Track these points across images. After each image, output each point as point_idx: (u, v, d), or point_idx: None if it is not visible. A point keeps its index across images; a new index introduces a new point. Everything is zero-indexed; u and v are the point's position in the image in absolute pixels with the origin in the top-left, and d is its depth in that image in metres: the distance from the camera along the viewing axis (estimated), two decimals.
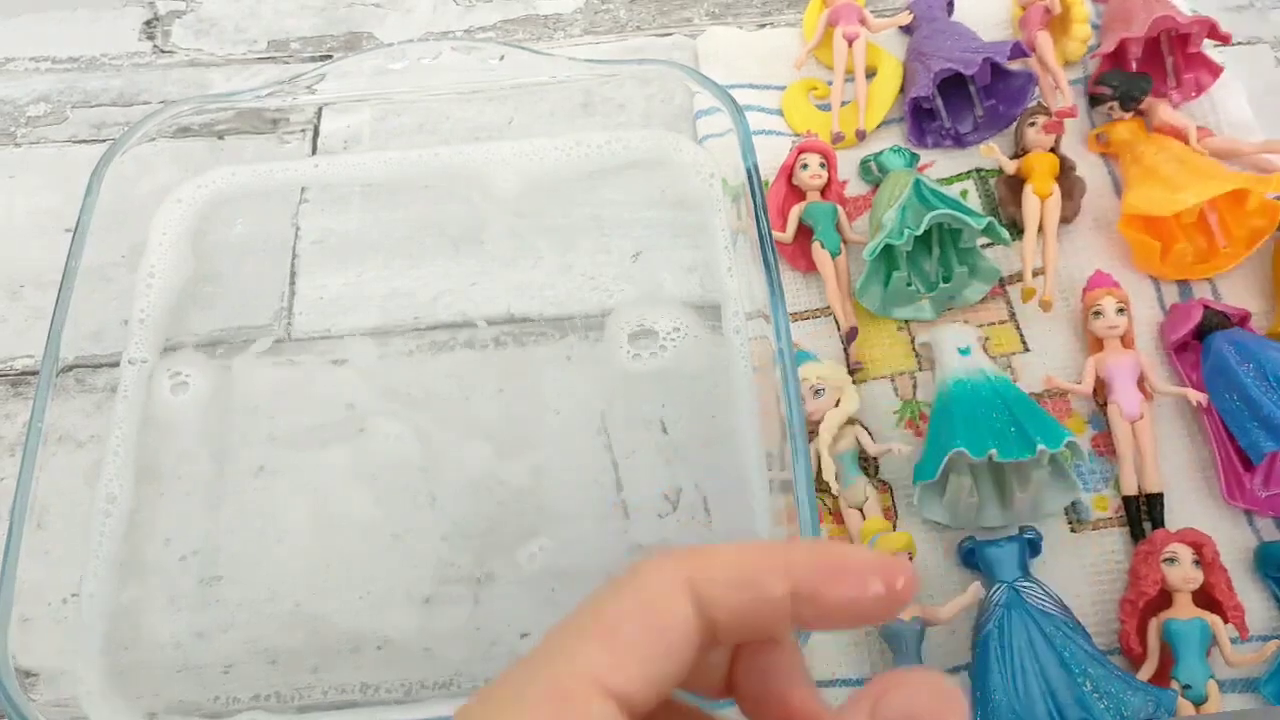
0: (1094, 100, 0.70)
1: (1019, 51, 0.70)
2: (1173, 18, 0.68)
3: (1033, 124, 0.67)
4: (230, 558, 0.60)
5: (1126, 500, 0.58)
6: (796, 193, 0.68)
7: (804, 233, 0.67)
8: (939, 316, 0.64)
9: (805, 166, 0.67)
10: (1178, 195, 0.61)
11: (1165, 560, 0.53)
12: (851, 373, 0.62)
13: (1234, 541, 0.57)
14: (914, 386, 0.63)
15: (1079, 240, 0.66)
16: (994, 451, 0.53)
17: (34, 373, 0.67)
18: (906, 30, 0.75)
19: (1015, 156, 0.67)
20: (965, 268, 0.63)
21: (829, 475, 0.57)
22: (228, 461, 0.63)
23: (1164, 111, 0.68)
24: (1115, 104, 0.68)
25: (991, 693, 0.50)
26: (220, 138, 0.76)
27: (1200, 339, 0.61)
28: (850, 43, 0.73)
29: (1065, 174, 0.66)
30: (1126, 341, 0.61)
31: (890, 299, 0.64)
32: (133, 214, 0.72)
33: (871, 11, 0.75)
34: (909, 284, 0.63)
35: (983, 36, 0.73)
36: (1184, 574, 0.53)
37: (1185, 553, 0.53)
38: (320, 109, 0.77)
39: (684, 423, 0.63)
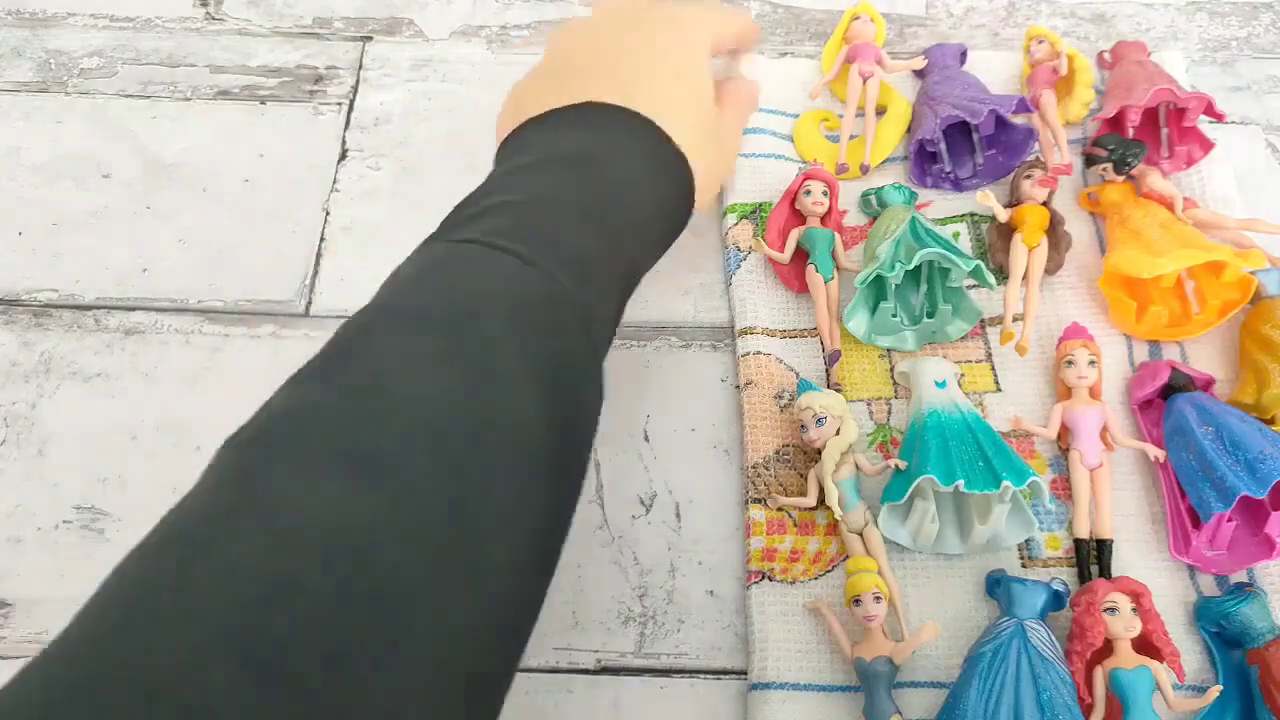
0: (1089, 160, 0.68)
1: (1024, 107, 0.68)
2: (1173, 91, 0.67)
3: (1029, 177, 0.66)
4: None
5: (1078, 543, 0.57)
6: (798, 217, 0.67)
7: (800, 255, 0.66)
8: (920, 349, 0.63)
9: (809, 193, 0.66)
10: (1158, 260, 0.60)
11: (1106, 610, 0.52)
12: (830, 376, 0.62)
13: (1174, 593, 0.56)
14: (889, 412, 0.61)
15: (1060, 292, 0.65)
16: (961, 482, 0.52)
17: (56, 306, 0.66)
18: (919, 74, 0.74)
19: (1009, 206, 0.66)
20: (949, 305, 0.62)
21: (832, 501, 0.56)
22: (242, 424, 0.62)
23: (1154, 179, 0.67)
24: (1110, 166, 0.66)
25: (964, 707, 0.50)
26: (262, 103, 0.75)
27: (1165, 398, 0.60)
28: (865, 80, 0.72)
29: (1054, 227, 0.65)
30: (1094, 392, 0.60)
31: (875, 328, 0.63)
32: (174, 170, 0.72)
33: (889, 54, 0.73)
34: (894, 315, 0.62)
35: (991, 89, 0.71)
36: (1125, 622, 0.52)
37: (1124, 602, 0.52)
38: (357, 85, 0.76)
39: (665, 433, 0.62)
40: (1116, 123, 0.68)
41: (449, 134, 0.74)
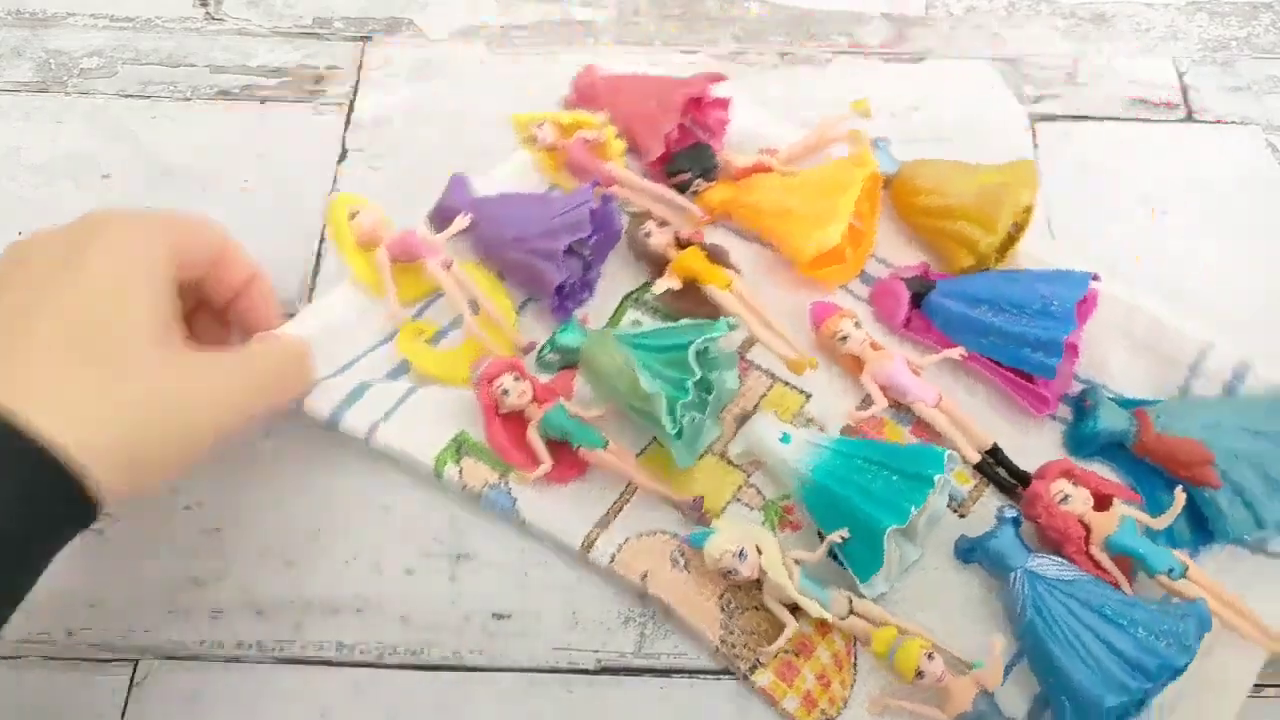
0: (680, 189, 0.69)
1: (594, 184, 0.68)
2: (686, 90, 0.69)
3: (648, 234, 0.65)
4: (231, 513, 0.60)
5: (977, 466, 0.60)
6: (514, 419, 0.61)
7: (553, 447, 0.60)
8: (719, 425, 0.62)
9: (506, 392, 0.60)
10: (830, 227, 0.63)
11: (1060, 501, 0.55)
12: (700, 522, 0.59)
13: (1055, 442, 0.62)
14: (757, 490, 0.60)
15: (766, 301, 0.65)
16: (913, 508, 0.53)
17: None
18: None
19: (654, 268, 0.66)
20: (715, 372, 0.60)
21: (815, 611, 0.53)
22: None
23: (734, 160, 0.69)
24: (700, 179, 0.68)
25: (1063, 669, 0.50)
26: (262, 103, 0.76)
27: (916, 306, 0.64)
28: (448, 268, 0.65)
29: (712, 254, 0.65)
30: (875, 346, 0.62)
31: (687, 445, 0.59)
32: (174, 170, 0.73)
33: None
34: (693, 421, 0.59)
35: (519, 189, 0.69)
36: (1081, 498, 0.55)
37: (1065, 484, 0.56)
38: (357, 85, 0.78)
39: None
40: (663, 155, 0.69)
41: (449, 134, 0.75)
